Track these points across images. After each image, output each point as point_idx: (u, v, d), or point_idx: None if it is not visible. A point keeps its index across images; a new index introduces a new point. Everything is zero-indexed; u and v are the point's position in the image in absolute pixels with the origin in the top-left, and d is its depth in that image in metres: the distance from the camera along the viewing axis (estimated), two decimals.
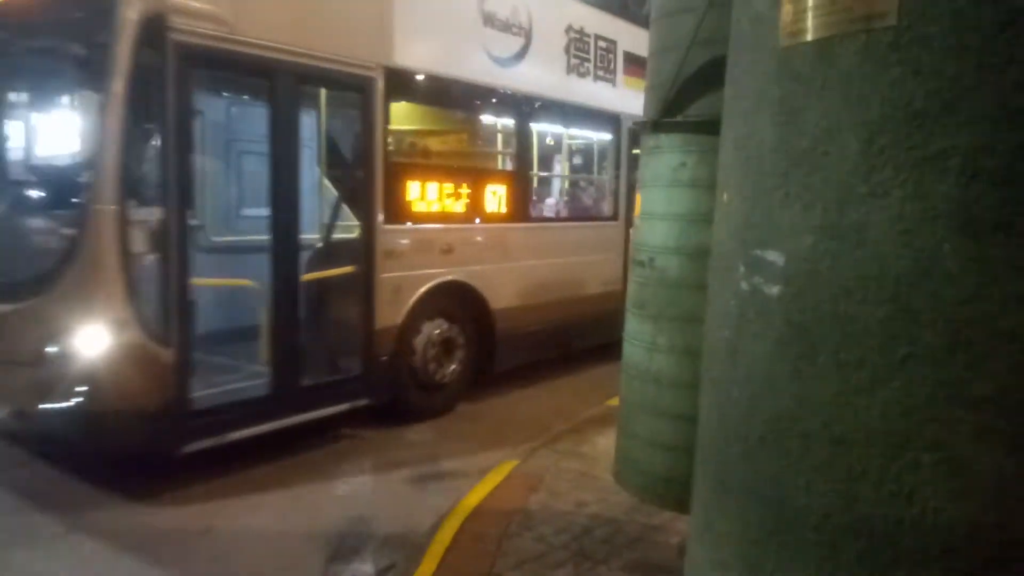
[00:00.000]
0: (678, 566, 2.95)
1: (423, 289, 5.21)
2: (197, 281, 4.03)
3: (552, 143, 7.59)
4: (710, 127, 2.64)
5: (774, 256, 1.59)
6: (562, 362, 6.84)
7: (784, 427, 1.56)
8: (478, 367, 5.88)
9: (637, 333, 3.64)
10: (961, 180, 1.27)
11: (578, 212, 8.00)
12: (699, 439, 2.09)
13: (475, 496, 3.81)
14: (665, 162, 3.26)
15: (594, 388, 6.15)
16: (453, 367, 5.54)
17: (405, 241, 5.12)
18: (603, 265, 7.22)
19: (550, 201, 7.99)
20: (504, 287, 6.02)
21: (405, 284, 5.09)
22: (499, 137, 6.61)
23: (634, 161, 7.47)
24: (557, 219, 7.36)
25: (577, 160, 8.38)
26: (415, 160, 5.81)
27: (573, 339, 6.92)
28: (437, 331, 5.41)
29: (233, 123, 5.95)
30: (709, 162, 2.95)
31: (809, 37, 1.49)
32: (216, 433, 4.01)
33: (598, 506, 3.71)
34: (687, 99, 3.06)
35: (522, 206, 6.25)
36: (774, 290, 1.58)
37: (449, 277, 5.43)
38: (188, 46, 3.75)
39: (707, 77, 3.00)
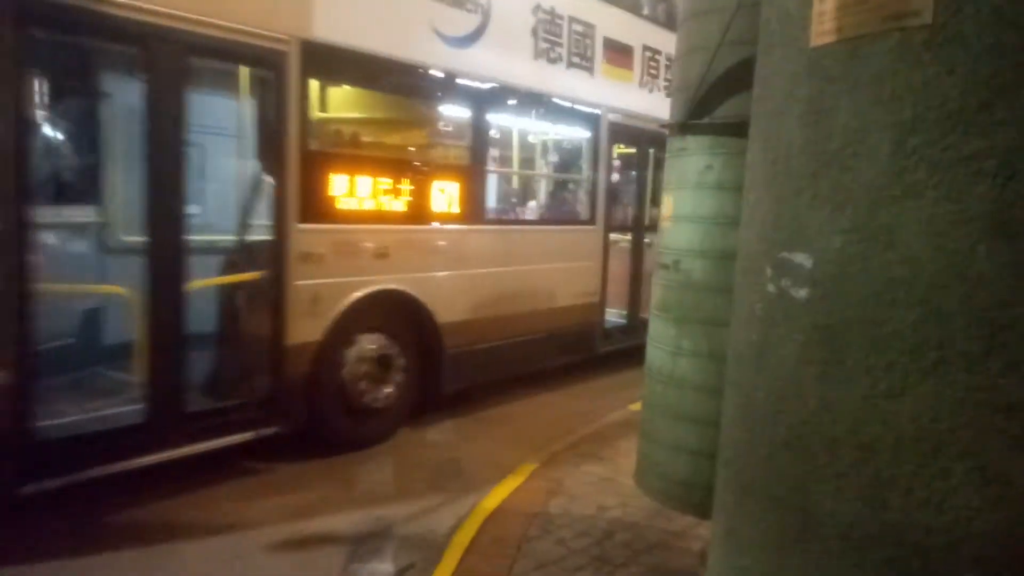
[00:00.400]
0: (699, 572, 2.92)
1: (351, 299, 4.46)
2: (55, 288, 3.50)
3: (518, 138, 6.98)
4: (737, 129, 2.62)
5: (802, 258, 1.57)
6: (584, 367, 6.80)
7: (810, 432, 1.53)
8: (424, 389, 5.17)
9: (661, 337, 3.61)
10: (997, 182, 1.24)
11: (548, 215, 7.39)
12: (722, 443, 2.07)
13: (495, 498, 3.80)
14: (691, 164, 3.23)
15: (617, 392, 6.12)
16: (390, 390, 4.77)
17: (327, 243, 4.33)
18: (577, 274, 6.50)
19: (515, 202, 7.41)
20: (455, 298, 5.28)
21: (326, 293, 4.33)
22: (450, 128, 5.69)
23: (640, 164, 7.23)
24: (521, 222, 6.77)
25: (549, 158, 7.75)
26: (342, 151, 4.90)
27: (541, 356, 6.23)
28: (371, 348, 4.67)
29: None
30: (736, 164, 2.92)
31: (840, 36, 1.47)
32: (68, 471, 3.39)
33: (619, 510, 3.69)
34: (714, 101, 3.03)
35: (477, 206, 5.48)
36: (802, 293, 1.56)
37: (385, 286, 4.69)
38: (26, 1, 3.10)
39: (735, 79, 2.98)
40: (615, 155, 7.60)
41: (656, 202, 6.86)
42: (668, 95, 6.45)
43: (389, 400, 4.75)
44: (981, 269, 1.25)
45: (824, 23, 1.51)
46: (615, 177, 7.60)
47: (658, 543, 3.36)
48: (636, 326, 7.21)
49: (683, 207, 3.31)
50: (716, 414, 2.17)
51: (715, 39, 3.02)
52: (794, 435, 1.58)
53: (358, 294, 4.50)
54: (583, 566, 3.12)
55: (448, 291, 5.20)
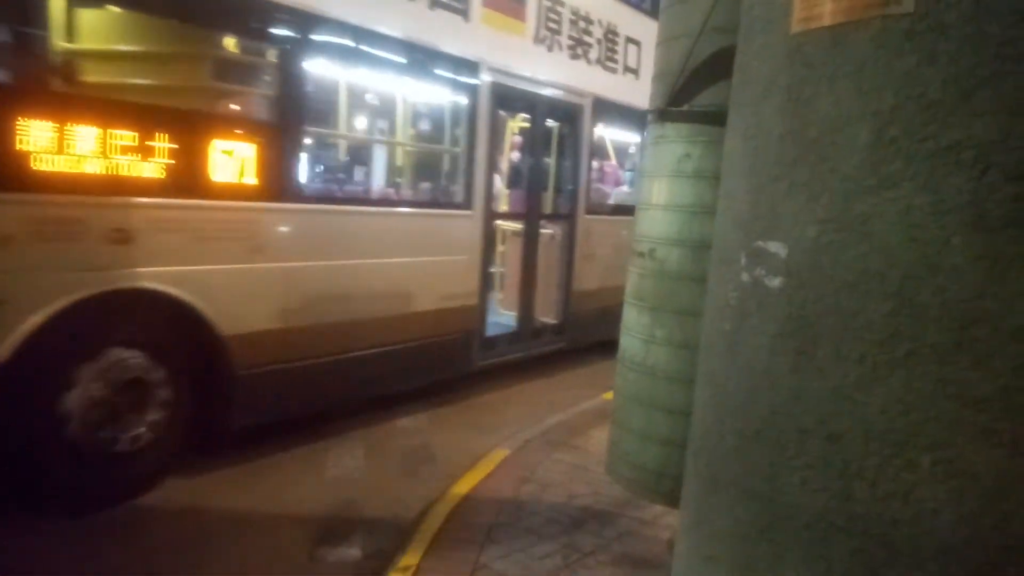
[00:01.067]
0: (667, 561, 2.93)
1: (62, 303, 3.17)
2: None
3: (360, 94, 5.69)
4: (717, 117, 2.60)
5: (776, 247, 1.55)
6: (560, 356, 6.80)
7: (780, 422, 1.52)
8: (204, 424, 3.94)
9: (634, 325, 3.60)
10: (974, 173, 1.23)
11: (401, 195, 5.88)
12: (692, 433, 2.06)
13: (465, 484, 3.79)
14: (670, 152, 3.21)
15: (591, 382, 6.13)
16: (141, 430, 3.53)
17: (15, 221, 3.08)
18: (444, 271, 5.23)
19: (354, 177, 5.90)
20: (251, 301, 3.98)
21: (14, 293, 3.07)
22: (246, 70, 4.26)
23: (537, 139, 6.14)
24: (359, 201, 5.18)
25: (410, 123, 6.27)
26: (47, 86, 3.32)
27: (390, 376, 4.94)
28: (113, 371, 3.42)
29: None
30: (714, 153, 2.90)
31: (822, 23, 1.45)
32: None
33: (589, 499, 3.69)
34: (695, 88, 3.01)
35: (288, 178, 4.12)
36: (776, 282, 1.55)
37: (127, 283, 3.40)
38: None
39: (716, 66, 2.96)
40: (516, 130, 6.98)
41: (561, 187, 6.60)
42: (573, 56, 6.20)
43: (148, 439, 3.54)
44: (955, 262, 1.24)
45: (807, 9, 1.49)
46: (514, 156, 6.88)
47: (627, 531, 3.36)
48: (528, 333, 6.40)
49: (660, 195, 3.30)
50: (688, 404, 2.16)
51: (696, 26, 2.99)
52: (764, 426, 1.57)
53: (75, 296, 3.20)
54: (552, 553, 3.11)
55: (239, 292, 3.88)
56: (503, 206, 6.88)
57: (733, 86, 1.89)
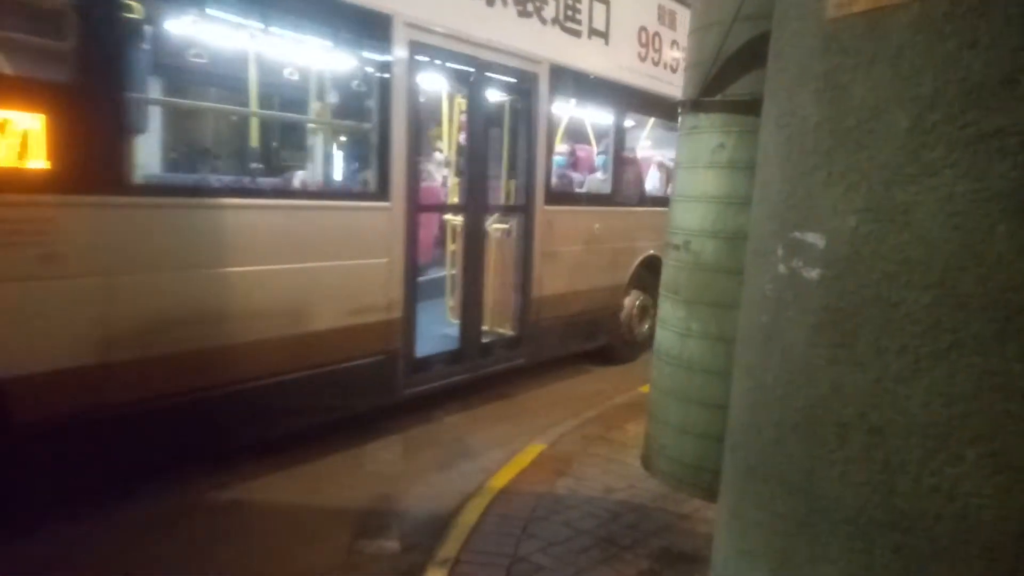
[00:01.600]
0: (706, 555, 2.91)
1: None
2: None
3: (228, 54, 4.35)
4: (752, 107, 2.56)
5: (814, 238, 1.53)
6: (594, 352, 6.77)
7: (819, 415, 1.50)
8: None
9: (670, 318, 3.58)
10: (1019, 160, 1.19)
11: (289, 183, 4.85)
12: (730, 426, 2.04)
13: (502, 478, 3.80)
14: (703, 143, 3.18)
15: (627, 375, 6.10)
16: None
17: None
18: (352, 280, 4.10)
19: (220, 159, 4.64)
20: (37, 329, 2.90)
21: None
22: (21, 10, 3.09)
23: (479, 116, 4.94)
24: (221, 193, 3.79)
25: (309, 92, 4.79)
26: None
27: (279, 413, 3.88)
28: None
29: None
30: (749, 143, 2.86)
31: (858, 8, 1.42)
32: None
33: (626, 492, 3.68)
34: (728, 78, 2.97)
35: (107, 158, 3.06)
36: (813, 274, 1.52)
37: None
38: None
39: (750, 55, 2.91)
40: (461, 110, 5.56)
41: (515, 173, 5.51)
42: (522, 14, 4.94)
43: None
44: (999, 250, 1.21)
45: None
46: (462, 137, 5.56)
47: (665, 526, 3.35)
48: (474, 350, 5.23)
49: (694, 186, 3.26)
50: (725, 397, 2.14)
51: (730, 14, 2.95)
52: (803, 418, 1.55)
53: None
54: (589, 547, 3.11)
55: (18, 317, 2.85)
56: (453, 197, 5.81)
57: (768, 74, 1.87)
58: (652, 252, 6.69)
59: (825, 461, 1.49)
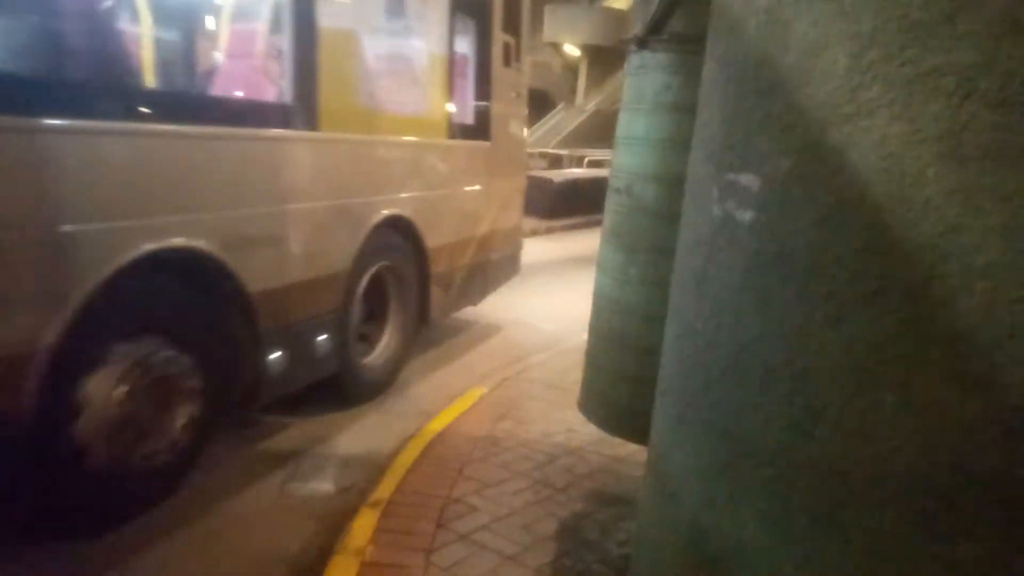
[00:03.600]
0: (637, 498, 2.96)
1: None
2: None
3: None
4: (699, 46, 2.49)
5: (749, 180, 1.49)
6: (550, 288, 6.76)
7: (747, 360, 1.49)
8: None
9: (610, 263, 3.55)
10: (954, 101, 1.16)
11: None
12: (661, 371, 2.04)
13: (440, 422, 3.79)
14: (649, 83, 3.10)
15: (574, 323, 6.12)
16: None
17: None
18: None
19: None
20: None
21: None
22: None
23: None
24: None
25: None
26: None
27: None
28: None
29: None
30: (695, 84, 2.80)
31: None
32: None
33: (563, 436, 3.71)
34: (678, 15, 2.89)
35: None
36: (747, 216, 1.49)
37: None
38: None
39: None
40: None
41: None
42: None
43: None
44: (928, 194, 1.19)
45: None
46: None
47: (600, 468, 3.39)
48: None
49: (637, 128, 3.19)
50: (659, 343, 2.13)
51: None
52: (730, 363, 1.54)
53: None
54: (523, 489, 3.13)
55: None
56: None
57: (712, 11, 1.80)
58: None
59: (750, 405, 1.48)
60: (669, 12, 2.79)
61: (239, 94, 3.69)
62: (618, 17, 29.64)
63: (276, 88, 3.63)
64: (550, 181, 12.63)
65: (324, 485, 3.26)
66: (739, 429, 1.51)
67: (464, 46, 5.21)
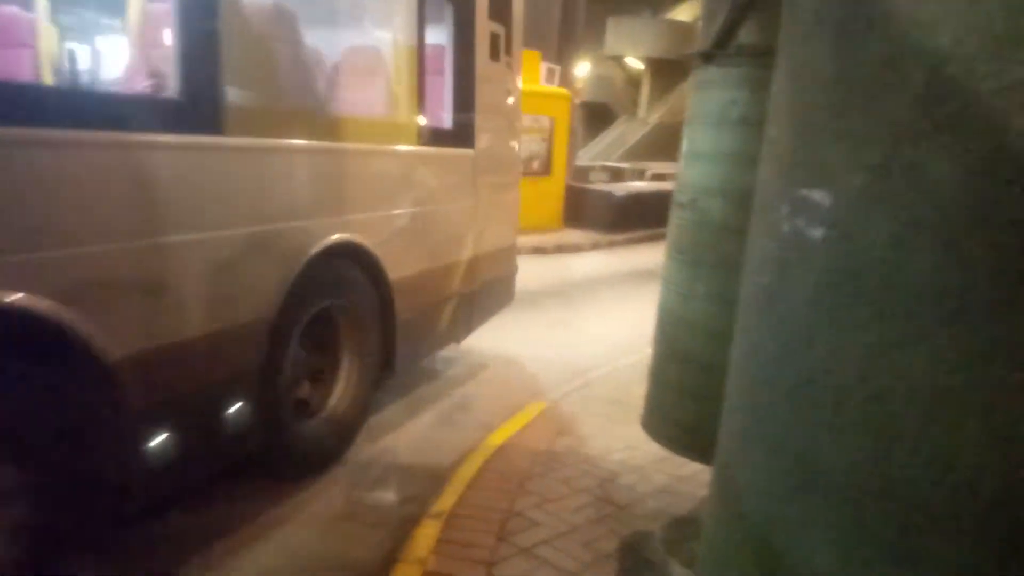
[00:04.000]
0: (703, 519, 2.91)
1: None
2: None
3: None
4: (766, 60, 2.46)
5: (821, 196, 1.46)
6: (602, 305, 6.73)
7: (817, 380, 1.46)
8: None
9: (674, 279, 3.51)
10: None
11: None
12: (727, 389, 2.01)
13: (501, 435, 3.81)
14: (715, 98, 3.06)
15: (637, 337, 6.07)
16: None
17: None
18: None
19: None
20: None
21: None
22: None
23: None
24: None
25: None
26: None
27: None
28: None
29: None
30: (762, 98, 2.76)
31: None
32: None
33: (626, 453, 3.68)
34: (745, 29, 2.85)
35: None
36: (818, 233, 1.46)
37: None
38: None
39: (770, 4, 2.78)
40: None
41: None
42: None
43: None
44: (1012, 213, 1.14)
45: None
46: None
47: (663, 488, 3.34)
48: None
49: (703, 143, 3.16)
50: (726, 360, 2.10)
51: None
52: (800, 382, 1.50)
53: None
54: (585, 505, 3.12)
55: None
56: None
57: (782, 24, 1.78)
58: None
59: (821, 427, 1.44)
60: (736, 25, 2.77)
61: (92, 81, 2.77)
62: (682, 29, 29.45)
63: (157, 77, 2.88)
64: (611, 194, 12.60)
65: (388, 494, 3.31)
66: (809, 451, 1.47)
67: (440, 36, 4.34)
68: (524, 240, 10.49)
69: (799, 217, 1.53)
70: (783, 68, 1.75)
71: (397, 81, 4.05)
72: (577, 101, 14.91)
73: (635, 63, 30.20)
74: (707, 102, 3.09)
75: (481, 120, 4.66)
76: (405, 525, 2.98)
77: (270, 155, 2.98)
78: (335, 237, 3.31)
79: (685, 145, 3.29)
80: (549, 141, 11.83)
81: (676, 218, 3.31)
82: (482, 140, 4.71)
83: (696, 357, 3.36)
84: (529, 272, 9.21)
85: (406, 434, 3.99)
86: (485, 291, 5.04)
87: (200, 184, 2.62)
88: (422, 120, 4.10)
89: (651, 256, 10.20)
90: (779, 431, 1.57)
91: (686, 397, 3.46)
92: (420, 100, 4.05)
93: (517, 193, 5.67)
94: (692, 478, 3.42)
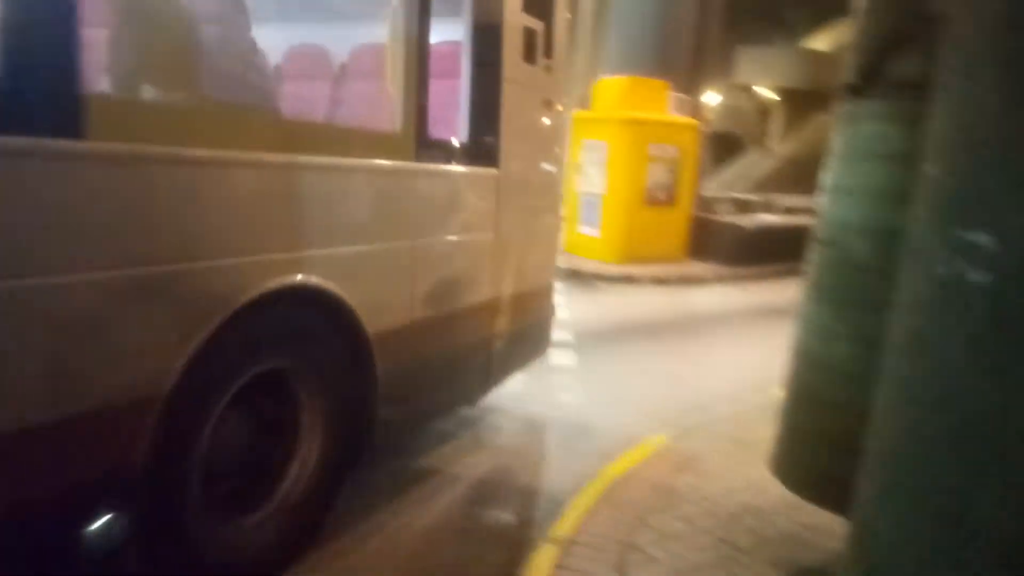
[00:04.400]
0: (832, 572, 2.75)
1: None
2: None
3: None
4: (921, 94, 2.35)
5: (984, 239, 1.38)
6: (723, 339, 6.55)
7: (975, 433, 1.37)
8: None
9: (812, 318, 3.37)
10: None
11: None
12: (870, 438, 1.91)
13: (620, 466, 3.78)
14: (862, 132, 2.95)
15: (764, 375, 5.84)
16: None
17: None
18: None
19: None
20: None
21: None
22: None
23: None
24: None
25: None
26: None
27: None
28: None
29: None
30: (914, 134, 2.63)
31: None
32: None
33: (750, 495, 3.54)
34: (898, 61, 2.73)
35: None
36: (979, 277, 1.38)
37: None
38: None
39: (926, 36, 2.66)
40: None
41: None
42: None
43: None
44: None
45: None
46: None
47: (790, 535, 3.20)
48: None
49: (847, 178, 3.04)
50: (867, 405, 2.00)
51: None
52: (956, 435, 1.42)
53: None
54: (706, 547, 3.03)
55: None
56: None
57: (942, 57, 1.70)
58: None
59: (979, 483, 1.35)
60: (887, 57, 2.66)
61: None
62: (818, 59, 28.38)
63: None
64: (739, 226, 12.25)
65: (506, 515, 3.35)
66: (965, 510, 1.38)
67: (454, 31, 3.60)
68: (645, 270, 10.40)
69: (958, 259, 1.45)
70: (943, 102, 1.67)
71: (385, 81, 3.23)
72: (706, 131, 14.67)
73: (766, 93, 29.35)
74: (854, 136, 2.98)
75: (509, 135, 3.80)
76: (521, 547, 3.01)
77: (156, 168, 2.08)
78: (281, 280, 2.47)
79: (827, 180, 3.17)
80: (675, 171, 11.68)
81: (816, 255, 3.19)
82: (509, 159, 3.85)
83: (832, 401, 3.20)
84: (650, 303, 9.10)
85: (524, 455, 4.03)
86: (509, 341, 4.11)
87: (45, 208, 1.80)
88: (422, 131, 3.17)
89: (780, 293, 9.81)
90: (930, 485, 1.48)
91: (820, 442, 3.30)
92: (419, 107, 3.13)
93: (556, 224, 4.81)
94: (822, 528, 3.24)
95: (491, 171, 3.75)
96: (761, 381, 5.44)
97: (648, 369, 5.98)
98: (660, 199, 11.49)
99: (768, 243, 12.00)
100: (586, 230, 11.48)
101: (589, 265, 10.65)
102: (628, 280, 10.13)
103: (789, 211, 16.81)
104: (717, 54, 15.89)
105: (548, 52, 4.16)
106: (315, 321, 2.76)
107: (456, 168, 3.56)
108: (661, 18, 13.96)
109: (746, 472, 3.78)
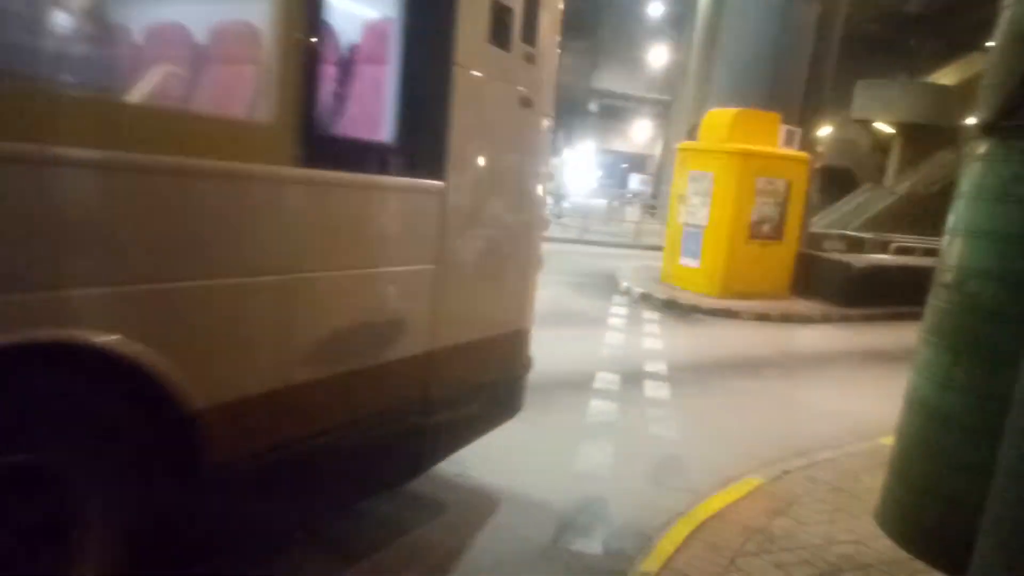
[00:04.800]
0: None
1: None
2: None
3: None
4: None
5: None
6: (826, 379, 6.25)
7: None
8: None
9: (930, 364, 3.20)
10: None
11: None
12: (992, 498, 1.80)
13: (714, 504, 3.67)
14: (996, 172, 2.79)
15: (869, 422, 5.55)
16: None
17: None
18: None
19: None
20: None
21: None
22: None
23: None
24: None
25: None
26: None
27: None
28: None
29: None
30: None
31: None
32: None
33: (851, 546, 3.37)
34: None
35: None
36: None
37: None
38: None
39: None
40: None
41: None
42: None
43: None
44: None
45: None
46: None
47: None
48: None
49: (977, 220, 2.88)
50: (987, 461, 1.88)
51: None
52: None
53: None
54: None
55: None
56: None
57: None
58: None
59: None
60: None
61: None
62: (942, 94, 27.01)
63: None
64: (849, 265, 11.71)
65: (594, 545, 3.32)
66: None
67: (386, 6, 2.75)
68: (746, 305, 10.09)
69: None
70: None
71: (257, 63, 2.36)
72: (817, 165, 14.17)
73: (884, 127, 28.10)
74: (986, 176, 2.83)
75: (461, 137, 2.93)
76: None
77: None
78: (25, 334, 1.67)
79: (952, 221, 3.01)
80: (783, 205, 11.32)
81: (937, 299, 3.03)
82: (462, 169, 2.98)
83: (948, 453, 3.02)
84: (750, 338, 8.81)
85: (614, 487, 3.97)
86: (456, 406, 3.18)
87: None
88: (308, 125, 2.29)
89: (891, 337, 9.30)
90: None
91: (932, 496, 3.11)
92: (304, 92, 2.26)
93: (533, 254, 3.68)
94: None
95: (433, 183, 2.84)
96: (866, 428, 5.18)
97: (745, 406, 5.79)
98: (765, 233, 11.15)
99: (880, 284, 11.42)
100: (687, 261, 11.27)
101: (687, 296, 10.45)
102: (728, 314, 9.86)
103: (903, 251, 16.00)
104: (833, 87, 15.37)
105: (529, 37, 3.24)
106: (93, 393, 1.89)
107: (371, 178, 2.63)
108: (774, 50, 13.65)
109: (848, 522, 3.60)
